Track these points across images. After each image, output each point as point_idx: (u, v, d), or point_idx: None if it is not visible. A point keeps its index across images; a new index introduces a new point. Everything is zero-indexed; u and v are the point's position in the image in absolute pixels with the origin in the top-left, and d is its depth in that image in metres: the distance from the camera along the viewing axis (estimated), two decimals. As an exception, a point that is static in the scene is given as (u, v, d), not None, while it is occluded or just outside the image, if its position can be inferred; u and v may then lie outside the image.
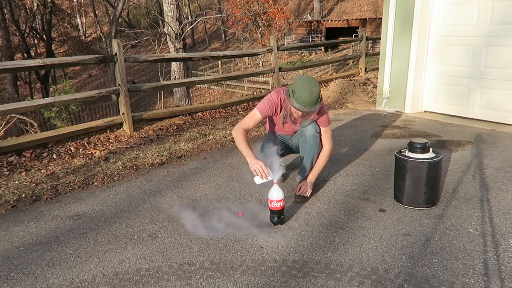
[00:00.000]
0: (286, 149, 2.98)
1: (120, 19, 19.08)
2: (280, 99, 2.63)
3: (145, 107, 16.90)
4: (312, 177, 2.80)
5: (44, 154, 3.98)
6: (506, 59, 4.35)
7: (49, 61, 4.63)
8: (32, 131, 6.36)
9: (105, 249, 2.23)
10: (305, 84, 2.43)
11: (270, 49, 6.73)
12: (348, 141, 4.08)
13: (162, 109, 7.88)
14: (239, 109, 6.05)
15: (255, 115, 2.62)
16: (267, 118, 2.83)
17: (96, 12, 32.29)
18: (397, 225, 2.34)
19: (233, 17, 20.48)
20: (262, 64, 18.98)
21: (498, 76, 4.44)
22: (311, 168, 2.80)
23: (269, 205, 2.35)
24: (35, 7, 17.17)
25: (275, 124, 2.87)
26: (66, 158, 3.93)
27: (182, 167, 3.57)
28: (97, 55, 4.78)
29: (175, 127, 5.07)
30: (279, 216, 2.37)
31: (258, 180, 2.38)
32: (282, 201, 2.33)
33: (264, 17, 19.99)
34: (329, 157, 2.84)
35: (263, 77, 16.37)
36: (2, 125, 6.01)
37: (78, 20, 30.23)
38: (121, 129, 4.76)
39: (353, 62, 14.60)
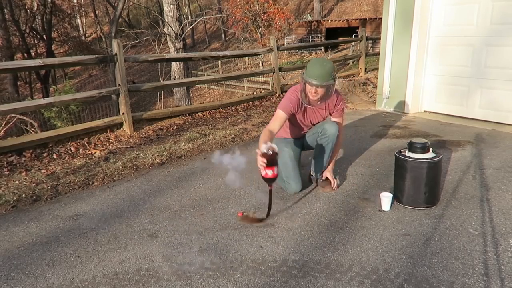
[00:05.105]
0: (300, 148, 3.01)
1: (120, 19, 19.07)
2: (296, 94, 2.69)
3: (145, 107, 16.87)
4: (331, 167, 2.94)
5: (44, 154, 3.98)
6: (506, 59, 4.35)
7: (49, 61, 4.63)
8: (32, 131, 6.35)
9: (105, 249, 2.23)
10: (316, 60, 2.59)
11: (270, 49, 6.73)
12: (348, 141, 4.07)
13: (162, 109, 7.88)
14: (239, 109, 6.05)
15: (278, 114, 2.64)
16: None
17: (96, 12, 32.29)
18: (397, 225, 2.34)
19: (233, 17, 20.47)
20: (262, 64, 18.97)
21: (498, 76, 4.44)
22: (327, 165, 2.89)
23: (263, 174, 2.28)
24: (35, 7, 17.16)
25: (293, 124, 2.88)
26: (66, 158, 3.93)
27: (182, 167, 3.57)
28: (97, 55, 4.78)
29: (175, 127, 5.07)
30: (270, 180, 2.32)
31: (385, 206, 2.52)
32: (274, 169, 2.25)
33: (264, 17, 19.97)
34: (340, 145, 3.01)
35: (263, 77, 16.35)
36: (2, 125, 6.01)
37: (78, 20, 30.21)
38: (121, 129, 4.76)
39: (353, 62, 14.58)
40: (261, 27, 20.47)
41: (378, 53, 6.21)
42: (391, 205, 2.54)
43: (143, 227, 2.47)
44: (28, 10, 16.77)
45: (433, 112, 5.18)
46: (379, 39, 5.74)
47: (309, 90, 2.56)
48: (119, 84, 4.63)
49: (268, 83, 15.76)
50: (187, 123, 5.25)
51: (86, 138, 4.43)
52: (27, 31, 17.30)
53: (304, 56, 21.76)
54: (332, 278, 1.87)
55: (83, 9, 28.89)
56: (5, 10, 14.46)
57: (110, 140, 4.49)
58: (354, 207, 2.61)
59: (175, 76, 9.84)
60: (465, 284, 1.79)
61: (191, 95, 11.08)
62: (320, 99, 2.64)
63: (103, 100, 7.72)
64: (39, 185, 3.24)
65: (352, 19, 22.59)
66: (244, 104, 6.36)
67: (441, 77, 5.01)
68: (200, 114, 5.68)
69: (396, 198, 2.61)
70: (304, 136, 2.99)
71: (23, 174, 3.50)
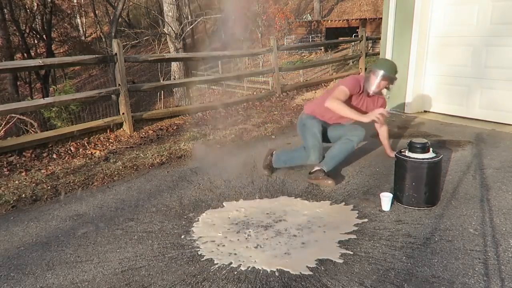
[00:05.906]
0: (324, 134, 3.12)
1: (120, 19, 19.06)
2: (360, 80, 3.01)
3: (145, 107, 16.85)
4: (390, 146, 3.44)
5: (44, 154, 3.98)
6: (506, 59, 4.34)
7: (49, 61, 4.64)
8: (32, 131, 6.35)
9: (105, 249, 2.23)
10: (385, 59, 3.19)
11: (270, 49, 6.73)
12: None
13: (162, 109, 7.88)
14: (239, 109, 6.05)
15: (344, 91, 2.91)
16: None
17: (96, 12, 32.26)
18: (397, 225, 2.34)
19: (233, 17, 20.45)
20: (262, 64, 18.95)
21: (498, 76, 4.44)
22: (334, 164, 3.02)
23: None
24: (35, 7, 17.15)
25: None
26: (66, 158, 3.93)
27: (182, 167, 3.57)
28: (97, 55, 4.78)
29: (175, 127, 5.07)
30: None
31: (385, 206, 2.53)
32: None
33: (264, 17, 19.98)
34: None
35: (263, 77, 16.35)
36: (2, 125, 6.00)
37: (78, 20, 30.19)
38: (121, 129, 4.76)
39: (353, 62, 14.58)
40: (261, 27, 20.47)
41: (378, 53, 6.21)
42: (391, 205, 2.54)
43: (143, 227, 2.47)
44: (28, 10, 16.76)
45: (433, 112, 5.18)
46: (379, 39, 5.74)
47: (374, 79, 2.93)
48: (119, 84, 4.63)
49: (268, 83, 15.75)
50: (187, 123, 5.25)
51: (86, 138, 4.43)
52: (27, 31, 17.29)
53: (304, 56, 21.74)
54: (332, 278, 1.87)
55: (83, 9, 28.88)
56: (5, 10, 14.46)
57: (110, 140, 4.49)
58: (354, 207, 2.61)
59: (175, 76, 9.86)
60: (465, 284, 1.79)
61: (191, 95, 11.09)
62: (380, 90, 3.03)
63: (103, 100, 7.73)
64: (39, 185, 3.24)
65: (352, 19, 22.57)
66: (244, 104, 6.36)
67: (441, 77, 5.00)
68: (200, 114, 5.68)
69: (396, 198, 2.61)
70: (331, 126, 3.13)
71: (23, 174, 3.50)
